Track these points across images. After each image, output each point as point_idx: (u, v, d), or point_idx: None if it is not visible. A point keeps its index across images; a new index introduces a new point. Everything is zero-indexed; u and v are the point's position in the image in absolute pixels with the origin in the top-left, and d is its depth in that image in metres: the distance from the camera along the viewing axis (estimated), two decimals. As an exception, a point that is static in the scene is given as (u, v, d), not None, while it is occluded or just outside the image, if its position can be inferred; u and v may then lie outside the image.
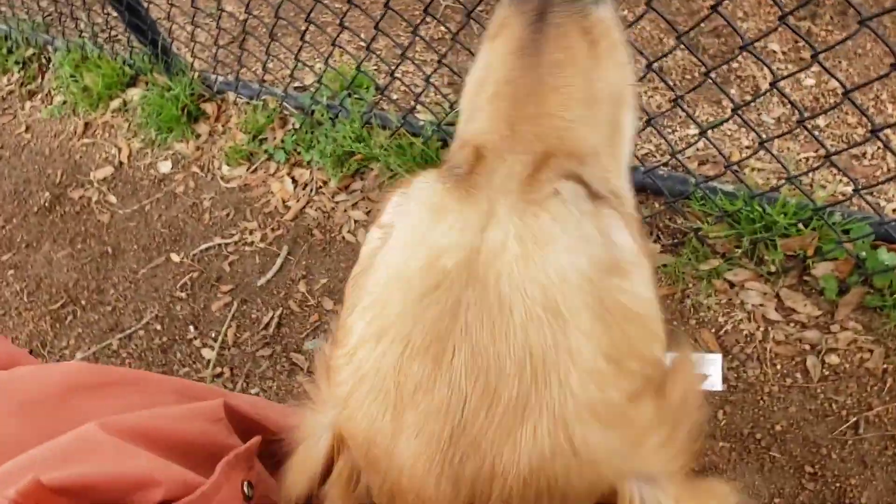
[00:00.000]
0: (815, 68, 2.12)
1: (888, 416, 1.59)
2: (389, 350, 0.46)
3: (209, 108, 2.77)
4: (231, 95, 2.74)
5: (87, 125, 3.08)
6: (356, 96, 2.44)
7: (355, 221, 2.34)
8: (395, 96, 2.54)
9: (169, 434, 0.61)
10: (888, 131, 2.00)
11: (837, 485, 1.54)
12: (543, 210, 0.48)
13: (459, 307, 0.45)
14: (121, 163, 2.90)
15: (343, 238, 2.32)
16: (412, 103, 2.32)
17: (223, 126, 2.75)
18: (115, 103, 3.06)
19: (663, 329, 0.53)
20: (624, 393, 0.46)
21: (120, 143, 2.96)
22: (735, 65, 2.27)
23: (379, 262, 0.52)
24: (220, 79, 2.77)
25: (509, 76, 0.57)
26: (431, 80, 2.17)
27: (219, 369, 2.20)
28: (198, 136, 2.77)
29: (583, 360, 0.44)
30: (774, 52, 2.27)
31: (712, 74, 1.72)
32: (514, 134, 0.54)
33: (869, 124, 1.55)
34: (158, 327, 2.38)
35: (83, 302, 2.55)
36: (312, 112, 2.47)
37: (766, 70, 2.20)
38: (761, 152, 1.90)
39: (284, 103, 2.57)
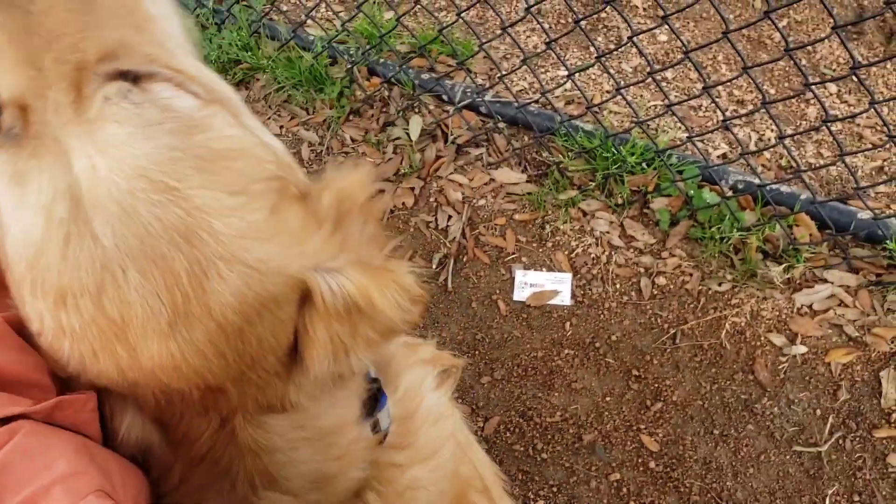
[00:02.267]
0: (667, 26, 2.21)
1: (699, 329, 1.77)
2: (79, 310, 0.47)
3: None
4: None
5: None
6: (245, 3, 2.24)
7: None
8: (285, 8, 2.35)
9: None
10: (720, 88, 2.14)
11: (656, 385, 1.72)
12: (104, 121, 0.48)
13: (99, 239, 0.46)
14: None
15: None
16: (303, 17, 2.16)
17: (96, 20, 2.42)
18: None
19: (273, 145, 0.57)
20: (263, 211, 0.51)
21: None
22: (604, 15, 2.30)
23: (7, 240, 0.50)
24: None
25: None
26: (323, -4, 2.03)
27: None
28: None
29: (212, 207, 0.48)
30: (636, 6, 2.33)
31: (582, 23, 1.75)
32: (41, 71, 0.50)
33: (704, 81, 1.65)
34: None
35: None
36: (197, 15, 2.24)
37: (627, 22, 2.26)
38: (618, 97, 1.98)
39: (166, 3, 2.31)
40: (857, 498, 1.56)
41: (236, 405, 0.54)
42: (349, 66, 2.10)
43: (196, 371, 0.49)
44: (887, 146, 2.01)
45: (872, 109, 1.59)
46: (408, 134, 2.07)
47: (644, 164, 1.92)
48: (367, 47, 2.13)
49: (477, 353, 1.79)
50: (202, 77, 0.56)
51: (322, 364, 0.54)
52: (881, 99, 1.96)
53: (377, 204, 0.62)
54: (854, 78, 2.14)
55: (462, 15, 1.84)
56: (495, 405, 1.72)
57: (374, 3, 2.30)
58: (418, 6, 1.90)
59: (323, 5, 2.19)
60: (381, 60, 2.15)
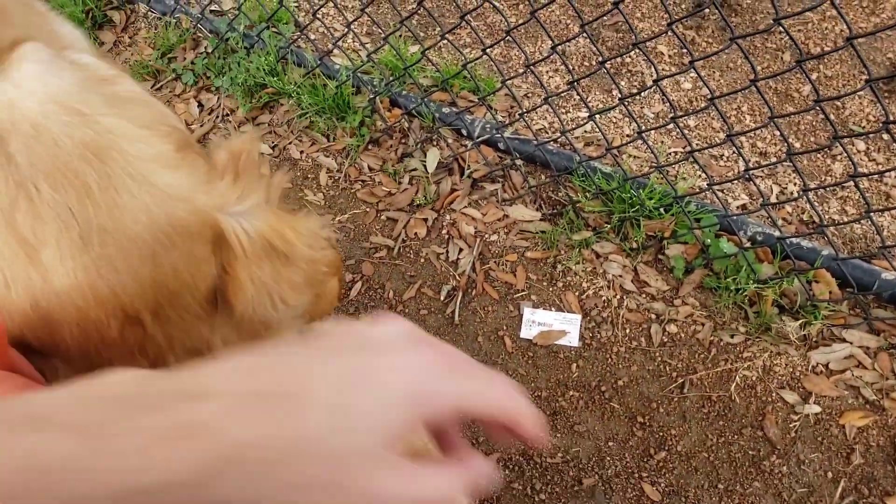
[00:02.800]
0: (693, 73, 2.29)
1: (708, 380, 1.79)
2: None
3: (117, 16, 2.58)
4: (142, 7, 2.56)
5: (-25, 13, 2.78)
6: (275, 30, 2.36)
7: (260, 153, 2.29)
8: (313, 36, 2.47)
9: None
10: (742, 139, 2.20)
11: (661, 434, 1.73)
12: (19, 63, 0.51)
13: (13, 157, 0.48)
14: (11, 59, 2.65)
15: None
16: (330, 46, 2.28)
17: (130, 38, 2.57)
18: (10, -5, 2.78)
19: (165, 109, 0.61)
20: (169, 145, 0.54)
21: (12, 38, 2.70)
22: (628, 59, 2.39)
23: None
24: (132, -12, 2.59)
25: None
26: (352, 26, 2.14)
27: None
28: (101, 44, 2.58)
29: (121, 132, 0.51)
30: (662, 53, 2.41)
31: (607, 65, 1.82)
32: None
33: (727, 129, 1.71)
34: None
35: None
36: (227, 39, 2.37)
37: (652, 68, 2.34)
38: (638, 141, 2.04)
39: (199, 25, 2.44)
40: (866, 568, 1.54)
41: (163, 347, 0.55)
42: (372, 96, 2.20)
43: (110, 290, 0.50)
44: (914, 206, 2.04)
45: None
46: (424, 166, 2.15)
47: (661, 210, 1.97)
48: (391, 79, 2.23)
49: (479, 389, 1.82)
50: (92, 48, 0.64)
51: (247, 305, 0.57)
52: (909, 158, 2.00)
53: (277, 177, 0.65)
54: (884, 135, 2.19)
55: (487, 51, 1.93)
56: (495, 441, 1.74)
57: (401, 36, 2.41)
58: (444, 41, 1.99)
59: (350, 35, 2.30)
60: (404, 92, 2.25)
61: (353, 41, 2.43)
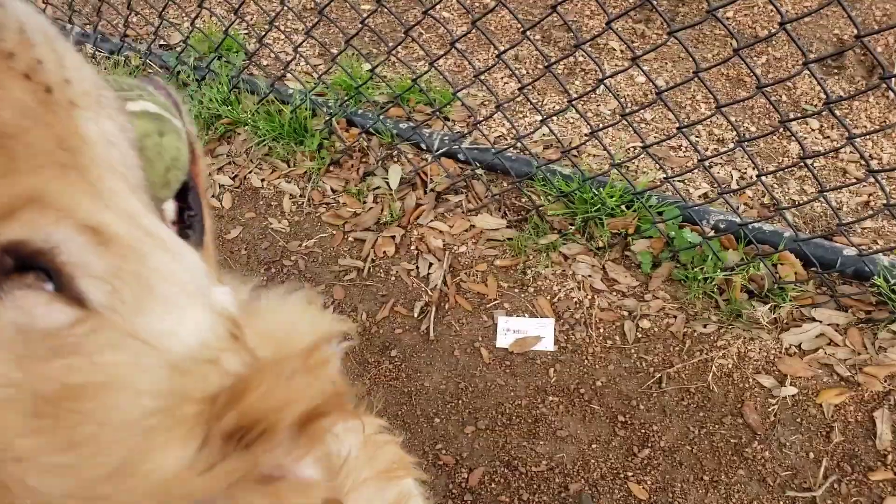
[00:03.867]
0: (647, 67, 2.33)
1: (685, 372, 1.82)
2: None
3: (64, 59, 2.58)
4: (89, 48, 2.56)
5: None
6: (225, 59, 2.38)
7: (220, 186, 2.30)
8: (264, 62, 2.49)
9: None
10: (699, 127, 2.24)
11: (643, 431, 1.76)
12: None
13: None
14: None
15: (208, 202, 2.27)
16: (281, 71, 2.30)
17: (79, 79, 2.57)
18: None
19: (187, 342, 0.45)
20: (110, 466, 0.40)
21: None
22: (581, 59, 2.43)
23: None
24: (77, 30, 2.58)
25: None
26: (300, 50, 2.16)
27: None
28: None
29: (33, 463, 0.37)
30: (614, 49, 2.45)
31: (560, 66, 1.86)
32: None
33: (683, 120, 1.75)
34: None
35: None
36: (178, 73, 2.38)
37: (603, 66, 2.38)
38: (596, 140, 2.08)
39: (148, 60, 2.45)
40: (853, 544, 1.58)
41: None
42: (328, 117, 2.22)
43: None
44: (870, 181, 2.09)
45: (851, 145, 1.67)
46: (387, 183, 2.17)
47: (623, 207, 2.01)
48: (345, 98, 2.25)
49: (460, 402, 1.84)
50: (127, 236, 0.45)
51: None
52: (861, 133, 2.05)
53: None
54: (832, 113, 2.25)
55: (435, 64, 1.96)
56: (479, 455, 1.77)
57: (353, 55, 2.43)
58: (394, 57, 2.02)
59: (301, 59, 2.32)
60: (360, 111, 2.27)
61: (305, 64, 2.45)
